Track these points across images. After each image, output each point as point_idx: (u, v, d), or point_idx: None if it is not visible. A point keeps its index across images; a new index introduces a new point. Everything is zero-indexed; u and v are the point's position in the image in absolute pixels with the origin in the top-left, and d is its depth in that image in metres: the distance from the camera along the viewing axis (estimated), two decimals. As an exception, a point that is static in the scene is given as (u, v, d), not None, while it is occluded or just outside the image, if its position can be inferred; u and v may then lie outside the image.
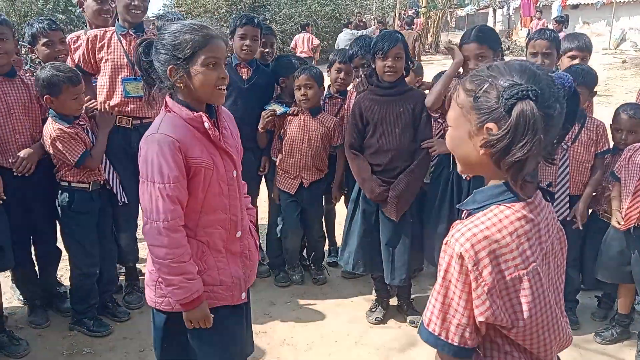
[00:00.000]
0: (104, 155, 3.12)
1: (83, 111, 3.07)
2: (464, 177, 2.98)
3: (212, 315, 1.92)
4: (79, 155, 2.93)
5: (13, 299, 3.57)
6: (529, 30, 19.07)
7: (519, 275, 1.21)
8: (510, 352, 1.30)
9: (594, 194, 3.27)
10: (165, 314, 1.98)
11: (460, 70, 2.92)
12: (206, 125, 1.85)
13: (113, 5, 3.36)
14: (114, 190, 3.19)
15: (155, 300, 1.96)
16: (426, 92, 3.22)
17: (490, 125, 1.17)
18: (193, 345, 2.00)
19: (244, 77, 3.59)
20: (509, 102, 1.13)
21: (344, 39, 13.76)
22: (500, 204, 1.24)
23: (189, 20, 1.95)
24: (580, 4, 23.13)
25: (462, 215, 1.36)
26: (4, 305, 3.23)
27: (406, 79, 3.21)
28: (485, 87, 1.19)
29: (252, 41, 3.52)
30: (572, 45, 3.42)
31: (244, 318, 2.12)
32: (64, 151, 2.91)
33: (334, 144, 3.61)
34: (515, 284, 1.21)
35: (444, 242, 1.27)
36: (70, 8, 16.59)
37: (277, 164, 3.68)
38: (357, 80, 3.56)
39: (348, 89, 3.86)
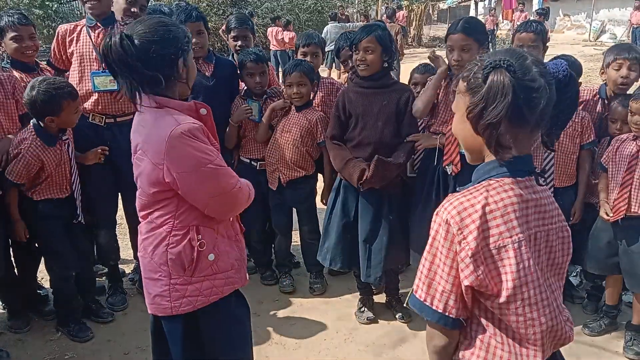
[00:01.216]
0: (76, 170, 3.01)
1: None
2: (449, 173, 2.93)
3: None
4: (11, 182, 2.81)
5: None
6: (512, 22, 19.29)
7: (503, 243, 1.25)
8: (494, 335, 1.32)
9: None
10: (181, 318, 1.91)
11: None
12: (203, 111, 1.84)
13: None
14: (77, 210, 3.02)
15: (171, 307, 1.88)
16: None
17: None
18: (209, 342, 1.97)
19: (207, 73, 3.44)
20: (484, 72, 1.24)
21: (332, 31, 13.85)
22: (491, 179, 1.30)
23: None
24: (561, -4, 23.35)
25: None
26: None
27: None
28: (475, 69, 1.29)
29: (198, 36, 3.34)
30: (616, 54, 3.13)
31: (248, 306, 2.13)
32: (13, 161, 2.79)
33: (318, 140, 3.48)
34: (501, 252, 1.25)
35: (435, 212, 1.32)
36: (47, 3, 16.25)
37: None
38: (347, 75, 3.49)
39: (325, 75, 3.83)
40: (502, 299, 1.26)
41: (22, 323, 3.20)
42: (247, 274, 2.07)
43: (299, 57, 3.69)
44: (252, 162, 3.59)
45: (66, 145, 2.93)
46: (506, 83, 1.20)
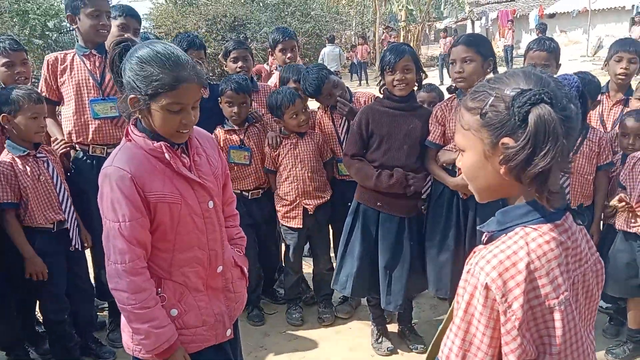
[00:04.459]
0: (66, 193, 2.87)
1: (42, 138, 2.86)
2: (460, 196, 2.81)
3: None
4: (1, 203, 2.69)
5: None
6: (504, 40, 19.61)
7: (549, 305, 1.09)
8: None
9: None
10: None
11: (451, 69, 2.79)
12: (167, 156, 1.67)
13: (109, 23, 3.11)
14: (70, 233, 2.87)
15: (132, 348, 1.76)
16: None
17: (506, 140, 1.08)
18: None
19: (205, 96, 3.34)
20: (522, 109, 1.04)
21: (330, 55, 14.07)
22: (525, 226, 1.12)
23: (169, 45, 1.68)
24: (557, 12, 23.55)
25: (483, 238, 1.23)
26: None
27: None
28: (490, 101, 1.10)
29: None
30: (619, 47, 3.36)
31: (231, 358, 1.94)
32: None
33: (325, 159, 3.45)
34: (545, 315, 1.09)
35: (466, 270, 1.14)
36: (47, 33, 16.38)
37: (275, 202, 3.46)
38: (339, 104, 3.31)
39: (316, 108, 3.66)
40: None
41: None
42: (229, 331, 1.89)
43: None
44: (244, 193, 3.43)
45: (44, 163, 2.80)
46: (556, 121, 1.02)
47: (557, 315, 1.08)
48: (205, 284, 1.81)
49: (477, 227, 1.30)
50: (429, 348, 1.37)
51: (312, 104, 3.57)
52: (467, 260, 1.17)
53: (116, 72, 1.70)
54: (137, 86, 1.60)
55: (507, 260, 1.08)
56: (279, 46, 3.86)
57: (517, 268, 1.07)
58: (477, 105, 1.12)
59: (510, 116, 1.06)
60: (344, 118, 3.41)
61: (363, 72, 18.82)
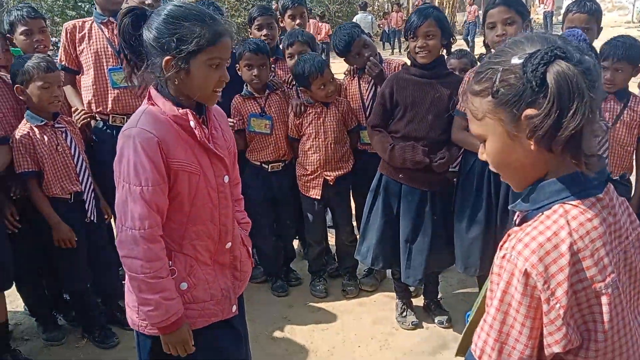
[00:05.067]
0: (84, 164, 2.84)
1: (59, 108, 2.82)
2: None
3: (192, 343, 1.70)
4: (24, 173, 2.68)
5: (19, 308, 3.38)
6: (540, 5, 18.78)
7: (595, 289, 0.99)
8: None
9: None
10: (150, 338, 1.75)
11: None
12: (192, 124, 1.61)
13: None
14: (86, 205, 2.85)
15: (138, 323, 1.73)
16: None
17: (528, 111, 0.97)
18: None
19: None
20: (537, 73, 0.94)
21: (362, 21, 13.81)
22: (564, 203, 1.01)
23: (191, 3, 1.64)
24: (601, -24, 22.41)
25: (515, 218, 1.13)
26: (9, 314, 3.06)
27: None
28: (498, 76, 1.00)
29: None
30: None
31: (239, 334, 1.91)
32: (16, 157, 2.68)
33: (349, 127, 3.33)
34: (590, 300, 0.99)
35: (501, 255, 1.04)
36: (80, 4, 16.52)
37: (296, 170, 3.38)
38: (369, 65, 3.20)
39: (341, 79, 3.52)
40: (589, 352, 1.02)
41: (60, 334, 3.09)
42: (234, 307, 1.84)
43: (288, 60, 3.45)
44: (263, 165, 3.35)
45: (63, 134, 2.78)
46: (577, 75, 0.92)
47: (604, 300, 0.99)
48: (213, 259, 1.77)
49: (509, 207, 1.20)
50: (459, 340, 1.28)
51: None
52: (500, 244, 1.07)
53: (129, 42, 1.62)
54: (173, 46, 1.52)
55: (548, 243, 0.98)
56: (288, 12, 3.73)
57: (559, 251, 0.97)
58: (485, 86, 1.02)
59: (525, 84, 0.96)
60: (371, 83, 3.29)
61: (397, 40, 18.41)
